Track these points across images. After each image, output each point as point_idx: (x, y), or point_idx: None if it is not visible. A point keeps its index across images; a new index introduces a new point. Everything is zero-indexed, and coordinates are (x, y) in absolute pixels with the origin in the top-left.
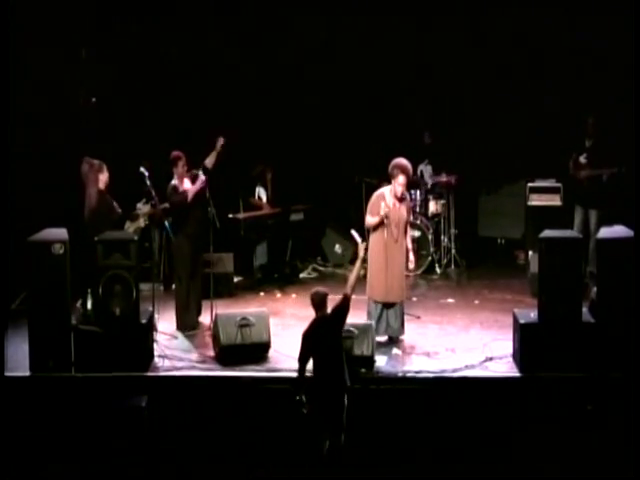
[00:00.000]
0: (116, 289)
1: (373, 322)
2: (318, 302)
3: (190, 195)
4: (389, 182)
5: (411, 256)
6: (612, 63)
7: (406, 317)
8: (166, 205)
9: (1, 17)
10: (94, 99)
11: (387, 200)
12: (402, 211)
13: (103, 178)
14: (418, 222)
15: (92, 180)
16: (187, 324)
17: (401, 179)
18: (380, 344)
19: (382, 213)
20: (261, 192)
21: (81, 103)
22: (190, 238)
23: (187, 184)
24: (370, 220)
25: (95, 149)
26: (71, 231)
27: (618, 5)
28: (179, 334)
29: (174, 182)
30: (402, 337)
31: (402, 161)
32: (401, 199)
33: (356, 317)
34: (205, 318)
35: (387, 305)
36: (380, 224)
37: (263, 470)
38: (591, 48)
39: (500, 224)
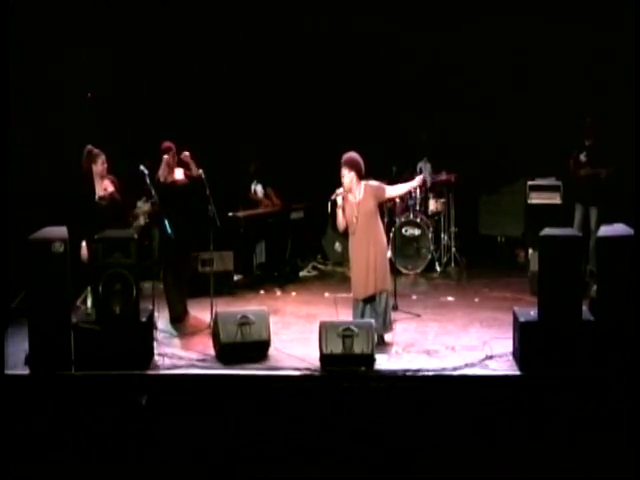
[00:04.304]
0: (116, 287)
1: (372, 321)
2: None
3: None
4: (389, 180)
5: (414, 182)
6: (612, 62)
7: (406, 315)
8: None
9: (1, 16)
10: (89, 94)
11: (349, 198)
12: (365, 203)
13: (96, 169)
14: (418, 220)
15: (86, 169)
16: (175, 313)
17: (343, 172)
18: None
19: (334, 197)
20: (258, 189)
21: (80, 100)
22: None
23: (179, 175)
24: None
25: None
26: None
27: (618, 4)
28: (177, 331)
29: (160, 172)
30: (390, 335)
31: (345, 155)
32: (350, 190)
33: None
34: (205, 316)
35: (367, 300)
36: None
37: (263, 468)
38: (591, 47)
39: (500, 222)
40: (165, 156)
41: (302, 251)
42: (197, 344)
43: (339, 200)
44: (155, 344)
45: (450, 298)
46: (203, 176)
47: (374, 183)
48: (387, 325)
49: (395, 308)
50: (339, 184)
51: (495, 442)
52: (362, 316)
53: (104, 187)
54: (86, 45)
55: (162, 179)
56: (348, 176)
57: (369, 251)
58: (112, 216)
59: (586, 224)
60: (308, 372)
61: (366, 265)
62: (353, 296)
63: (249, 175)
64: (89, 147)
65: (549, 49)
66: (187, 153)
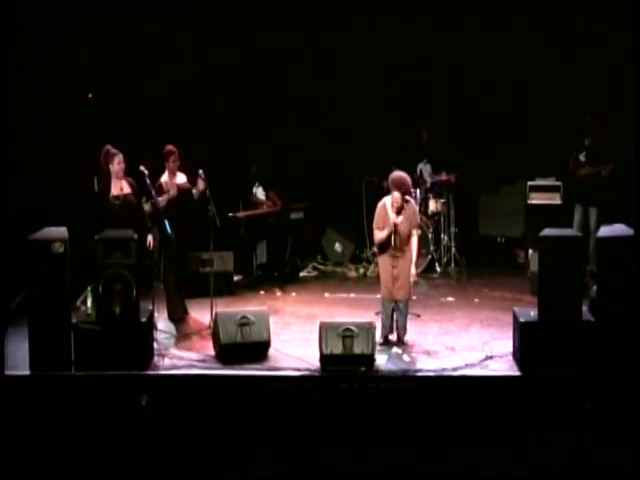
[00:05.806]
0: (116, 288)
1: (381, 319)
2: None
3: (162, 203)
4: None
5: (414, 263)
6: (611, 60)
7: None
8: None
9: (2, 16)
10: (90, 95)
11: (389, 211)
12: (403, 224)
13: (112, 168)
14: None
15: (104, 168)
16: (175, 315)
17: (395, 195)
18: (390, 342)
19: (389, 228)
20: (259, 191)
21: (80, 100)
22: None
23: (181, 178)
24: (379, 235)
25: (94, 147)
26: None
27: (618, 2)
28: (177, 331)
29: (164, 179)
30: (406, 337)
31: (396, 176)
32: (399, 212)
33: (363, 317)
34: (205, 317)
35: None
36: (388, 237)
37: (263, 469)
38: (591, 45)
39: (500, 223)
40: (167, 163)
41: (302, 251)
42: (197, 344)
43: (399, 220)
44: (155, 344)
45: (450, 298)
46: (205, 182)
47: (415, 208)
48: (406, 327)
49: None
50: (339, 184)
51: (495, 442)
52: (391, 314)
53: (120, 188)
54: (86, 45)
55: (164, 186)
56: (398, 199)
57: (404, 265)
58: (125, 217)
59: (586, 224)
60: (308, 372)
61: (399, 277)
62: (383, 297)
63: (250, 177)
64: (107, 147)
65: (549, 48)
66: (202, 174)
